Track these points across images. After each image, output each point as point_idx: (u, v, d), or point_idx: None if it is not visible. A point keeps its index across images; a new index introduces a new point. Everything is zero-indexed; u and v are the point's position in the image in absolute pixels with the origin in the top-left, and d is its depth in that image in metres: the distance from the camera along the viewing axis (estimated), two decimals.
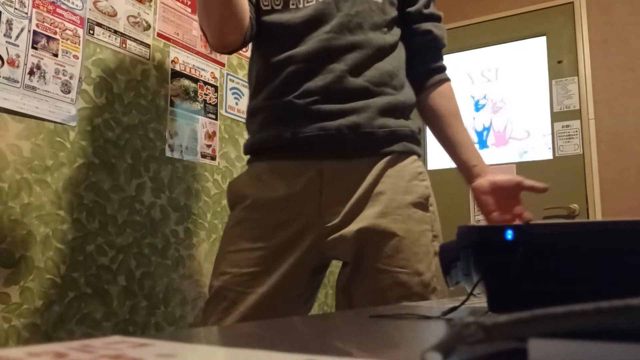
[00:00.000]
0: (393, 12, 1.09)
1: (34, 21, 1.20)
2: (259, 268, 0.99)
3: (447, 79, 1.16)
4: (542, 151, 2.69)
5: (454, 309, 0.50)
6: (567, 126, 2.63)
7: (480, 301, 0.58)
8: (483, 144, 2.83)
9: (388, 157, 1.03)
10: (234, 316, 0.98)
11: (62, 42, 1.26)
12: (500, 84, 2.85)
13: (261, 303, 0.98)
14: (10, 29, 1.15)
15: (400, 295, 0.96)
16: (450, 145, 1.11)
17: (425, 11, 1.13)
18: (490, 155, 2.80)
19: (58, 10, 1.25)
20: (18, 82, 1.16)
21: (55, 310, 1.20)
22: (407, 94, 1.08)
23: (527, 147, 2.73)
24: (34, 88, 1.19)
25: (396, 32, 1.10)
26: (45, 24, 1.22)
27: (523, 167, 2.69)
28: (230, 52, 1.12)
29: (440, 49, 1.16)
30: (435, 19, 1.15)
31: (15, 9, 1.16)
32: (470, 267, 0.44)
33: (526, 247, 0.37)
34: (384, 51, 1.05)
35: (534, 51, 2.77)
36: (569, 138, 2.62)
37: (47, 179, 1.21)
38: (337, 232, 0.99)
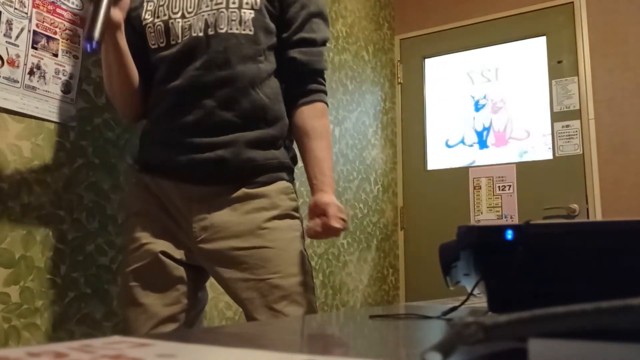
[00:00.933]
0: (270, 40, 1.13)
1: (34, 21, 1.20)
2: (153, 266, 1.09)
3: (319, 100, 1.17)
4: (542, 151, 2.68)
5: (454, 309, 0.50)
6: (567, 126, 2.63)
7: (480, 301, 0.58)
8: (483, 144, 2.84)
9: (254, 185, 1.10)
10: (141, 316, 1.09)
11: (62, 42, 1.26)
12: (500, 84, 2.85)
13: (151, 305, 1.10)
14: (10, 29, 1.15)
15: (280, 297, 1.04)
16: (305, 160, 1.14)
17: (294, 38, 1.15)
18: (490, 155, 2.80)
19: (58, 10, 1.25)
20: (18, 82, 1.16)
21: (55, 310, 1.20)
22: (280, 127, 1.14)
23: (527, 147, 2.73)
24: (34, 88, 1.19)
25: (272, 60, 1.14)
26: (45, 24, 1.22)
27: (523, 167, 2.69)
28: (139, 121, 1.24)
29: (309, 73, 1.17)
30: (306, 43, 1.16)
31: (15, 9, 1.16)
32: (470, 267, 0.44)
33: (526, 247, 0.37)
34: (260, 79, 1.10)
35: (534, 51, 2.77)
36: (569, 138, 2.62)
37: (47, 179, 1.21)
38: (207, 245, 1.07)
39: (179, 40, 1.10)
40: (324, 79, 1.20)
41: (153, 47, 1.13)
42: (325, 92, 1.19)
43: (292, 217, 1.11)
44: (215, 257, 1.07)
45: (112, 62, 1.10)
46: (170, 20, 1.11)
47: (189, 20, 1.10)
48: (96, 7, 0.95)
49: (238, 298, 1.07)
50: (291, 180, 1.16)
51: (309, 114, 1.15)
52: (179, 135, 1.08)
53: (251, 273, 1.04)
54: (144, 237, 1.09)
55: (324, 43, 1.19)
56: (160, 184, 1.11)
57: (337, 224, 1.02)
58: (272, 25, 1.12)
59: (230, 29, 1.08)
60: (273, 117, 1.11)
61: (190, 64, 1.08)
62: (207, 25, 1.08)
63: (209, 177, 1.08)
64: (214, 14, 1.08)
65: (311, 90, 1.16)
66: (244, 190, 1.08)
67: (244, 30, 1.09)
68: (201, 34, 1.08)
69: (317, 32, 1.16)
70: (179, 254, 1.10)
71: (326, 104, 1.19)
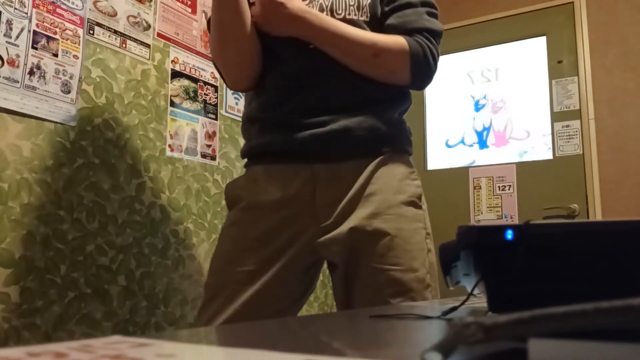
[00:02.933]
0: (381, 27, 1.07)
1: (34, 21, 1.20)
2: (253, 267, 1.01)
3: (406, 36, 1.04)
4: (542, 151, 2.68)
5: (454, 309, 0.50)
6: (567, 126, 2.63)
7: (480, 301, 0.58)
8: (483, 144, 2.83)
9: (379, 159, 1.05)
10: (228, 312, 1.00)
11: (62, 42, 1.26)
12: (500, 84, 2.85)
13: (254, 300, 1.00)
14: (10, 29, 1.15)
15: (396, 292, 0.97)
16: None
17: (387, 8, 1.07)
18: (490, 155, 2.80)
19: (58, 10, 1.25)
20: (18, 82, 1.16)
21: (55, 310, 1.20)
22: (401, 99, 1.09)
23: (527, 147, 2.73)
24: (34, 88, 1.19)
25: None
26: (45, 24, 1.22)
27: (523, 167, 2.69)
28: (245, 90, 1.14)
29: (406, 32, 1.05)
30: (400, 8, 1.06)
31: (15, 9, 1.16)
32: (470, 267, 0.44)
33: (526, 247, 0.37)
34: None
35: (534, 51, 2.77)
36: (569, 138, 2.62)
37: (47, 179, 1.21)
38: (330, 232, 1.01)
39: None
40: (429, 38, 1.05)
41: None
42: (422, 46, 1.03)
43: (416, 206, 1.05)
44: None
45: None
46: None
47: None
48: None
49: (348, 287, 1.01)
50: (410, 155, 1.10)
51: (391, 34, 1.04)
52: (297, 117, 1.02)
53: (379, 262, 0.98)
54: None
55: (423, 4, 1.07)
56: (273, 172, 1.05)
57: None
58: (379, 8, 1.07)
59: (349, 14, 1.04)
60: (391, 93, 1.06)
61: (304, 48, 1.02)
62: (321, 9, 1.04)
63: (333, 150, 1.01)
64: None
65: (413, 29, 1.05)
66: (370, 166, 1.02)
67: (362, 16, 1.04)
68: None
69: None
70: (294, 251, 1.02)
71: (412, 47, 1.02)
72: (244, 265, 1.02)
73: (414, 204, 1.06)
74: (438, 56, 1.07)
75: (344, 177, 1.03)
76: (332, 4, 1.04)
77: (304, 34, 1.01)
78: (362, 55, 1.02)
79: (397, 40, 1.02)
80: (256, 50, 1.06)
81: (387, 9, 1.07)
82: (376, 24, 1.07)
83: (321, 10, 1.04)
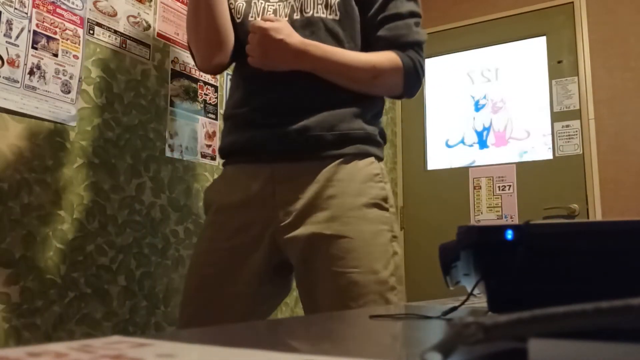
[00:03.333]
0: (354, 25, 1.08)
1: (34, 21, 1.19)
2: (222, 268, 1.04)
3: (398, 52, 1.07)
4: (542, 151, 2.68)
5: (454, 309, 0.50)
6: (567, 126, 2.63)
7: (480, 301, 0.58)
8: (483, 144, 2.83)
9: (340, 160, 1.04)
10: (206, 314, 1.04)
11: (62, 42, 1.26)
12: (500, 84, 2.85)
13: (231, 302, 1.03)
14: (10, 29, 1.15)
15: (356, 295, 0.97)
16: None
17: (378, 18, 1.09)
18: (490, 155, 2.80)
19: (58, 10, 1.25)
20: (18, 82, 1.16)
21: (55, 310, 1.20)
22: (366, 104, 1.09)
23: (527, 147, 2.73)
24: (34, 88, 1.19)
25: (358, 43, 1.10)
26: (45, 24, 1.22)
27: (523, 167, 2.69)
28: (216, 72, 1.18)
29: (398, 47, 1.08)
30: (390, 19, 1.08)
31: (15, 9, 1.16)
32: (470, 267, 0.44)
33: (526, 247, 0.37)
34: None
35: (534, 51, 2.77)
36: (569, 138, 2.62)
37: (47, 179, 1.21)
38: (291, 232, 1.02)
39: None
40: (418, 51, 1.09)
41: (238, 19, 1.10)
42: (413, 61, 1.07)
43: (381, 208, 1.05)
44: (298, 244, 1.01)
45: None
46: (254, 1, 1.09)
47: (272, 5, 1.08)
48: None
49: (310, 291, 1.02)
50: (380, 159, 1.10)
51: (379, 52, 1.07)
52: (260, 115, 1.04)
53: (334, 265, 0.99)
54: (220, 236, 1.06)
55: (411, 15, 1.10)
56: (239, 171, 1.07)
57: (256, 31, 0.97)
58: (356, 9, 1.08)
59: (317, 12, 1.06)
60: (358, 96, 1.06)
61: None
62: (292, 10, 1.06)
63: (291, 149, 1.02)
64: None
65: (403, 44, 1.08)
66: (330, 167, 1.02)
67: (330, 14, 1.06)
68: (286, 19, 1.05)
69: (400, 8, 1.09)
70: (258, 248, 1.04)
71: (405, 63, 1.06)
72: (214, 267, 1.05)
73: (378, 205, 1.04)
74: (424, 64, 1.12)
75: (302, 178, 1.03)
76: (302, 4, 1.06)
77: (308, 66, 1.02)
78: (363, 79, 1.06)
79: (391, 59, 1.05)
80: (227, 41, 1.09)
81: (377, 19, 1.09)
82: (349, 23, 1.07)
83: (292, 11, 1.06)
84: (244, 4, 1.11)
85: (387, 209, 1.06)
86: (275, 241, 1.04)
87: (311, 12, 1.06)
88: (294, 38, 1.00)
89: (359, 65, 1.04)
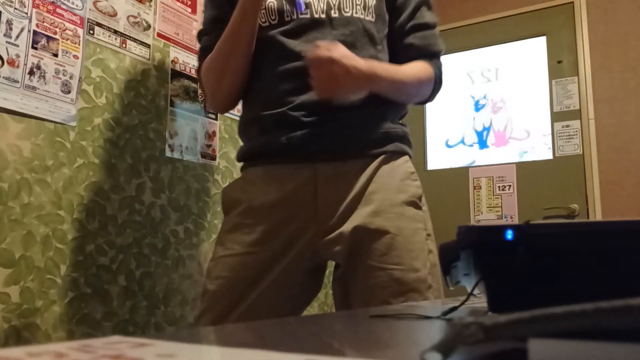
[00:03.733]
0: (385, 29, 1.12)
1: (34, 21, 1.20)
2: (254, 272, 1.01)
3: (426, 60, 1.11)
4: (542, 151, 2.68)
5: (454, 309, 0.50)
6: (567, 126, 2.63)
7: (480, 301, 0.58)
8: (483, 144, 2.83)
9: (380, 158, 1.05)
10: (230, 319, 0.99)
11: (62, 42, 1.26)
12: (500, 84, 2.85)
13: (255, 306, 1.00)
14: (10, 29, 1.15)
15: (397, 292, 0.97)
16: None
17: (408, 25, 1.12)
18: (490, 155, 2.80)
19: (58, 10, 1.25)
20: (18, 82, 1.16)
21: (55, 310, 1.20)
22: (399, 106, 1.12)
23: (527, 147, 2.73)
24: (34, 88, 1.19)
25: (385, 46, 1.12)
26: (45, 24, 1.22)
27: (523, 167, 2.69)
28: (224, 113, 1.22)
29: (427, 56, 1.12)
30: (420, 28, 1.12)
31: (15, 9, 1.16)
32: (470, 267, 0.44)
33: (526, 247, 0.37)
34: None
35: (534, 51, 2.77)
36: (569, 138, 2.62)
37: (47, 179, 1.21)
38: (333, 232, 1.01)
39: (294, 17, 1.05)
40: (440, 59, 1.15)
41: (263, 24, 1.07)
42: (440, 70, 1.13)
43: (417, 206, 1.06)
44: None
45: (247, 33, 1.04)
46: None
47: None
48: None
49: (349, 286, 1.01)
50: (411, 157, 1.12)
51: (410, 64, 1.09)
52: (298, 116, 1.02)
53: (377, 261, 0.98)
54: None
55: (435, 25, 1.15)
56: (273, 173, 1.05)
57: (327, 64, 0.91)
58: (387, 14, 1.11)
59: (355, 12, 1.06)
60: (389, 99, 1.07)
61: (311, 46, 1.01)
62: (329, 7, 1.05)
63: (334, 149, 1.02)
64: None
65: (428, 53, 1.13)
66: (372, 165, 1.03)
67: (367, 16, 1.07)
68: (323, 16, 1.05)
69: (426, 17, 1.14)
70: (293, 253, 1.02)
71: (435, 73, 1.11)
72: (245, 271, 1.01)
73: (415, 204, 1.06)
74: None
75: (346, 176, 1.03)
76: (339, 2, 1.05)
77: (374, 88, 1.03)
78: (411, 92, 1.11)
79: (427, 71, 1.10)
80: (244, 82, 1.11)
81: (407, 26, 1.12)
82: (382, 25, 1.10)
83: (328, 8, 1.05)
84: (275, 2, 1.07)
85: (421, 207, 1.08)
86: (311, 244, 1.02)
87: (350, 12, 1.06)
88: (362, 64, 0.97)
89: (409, 80, 1.08)
